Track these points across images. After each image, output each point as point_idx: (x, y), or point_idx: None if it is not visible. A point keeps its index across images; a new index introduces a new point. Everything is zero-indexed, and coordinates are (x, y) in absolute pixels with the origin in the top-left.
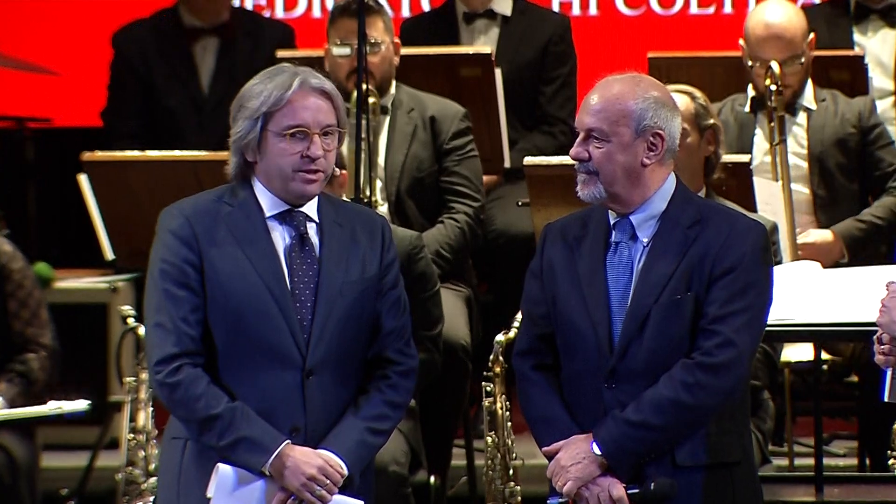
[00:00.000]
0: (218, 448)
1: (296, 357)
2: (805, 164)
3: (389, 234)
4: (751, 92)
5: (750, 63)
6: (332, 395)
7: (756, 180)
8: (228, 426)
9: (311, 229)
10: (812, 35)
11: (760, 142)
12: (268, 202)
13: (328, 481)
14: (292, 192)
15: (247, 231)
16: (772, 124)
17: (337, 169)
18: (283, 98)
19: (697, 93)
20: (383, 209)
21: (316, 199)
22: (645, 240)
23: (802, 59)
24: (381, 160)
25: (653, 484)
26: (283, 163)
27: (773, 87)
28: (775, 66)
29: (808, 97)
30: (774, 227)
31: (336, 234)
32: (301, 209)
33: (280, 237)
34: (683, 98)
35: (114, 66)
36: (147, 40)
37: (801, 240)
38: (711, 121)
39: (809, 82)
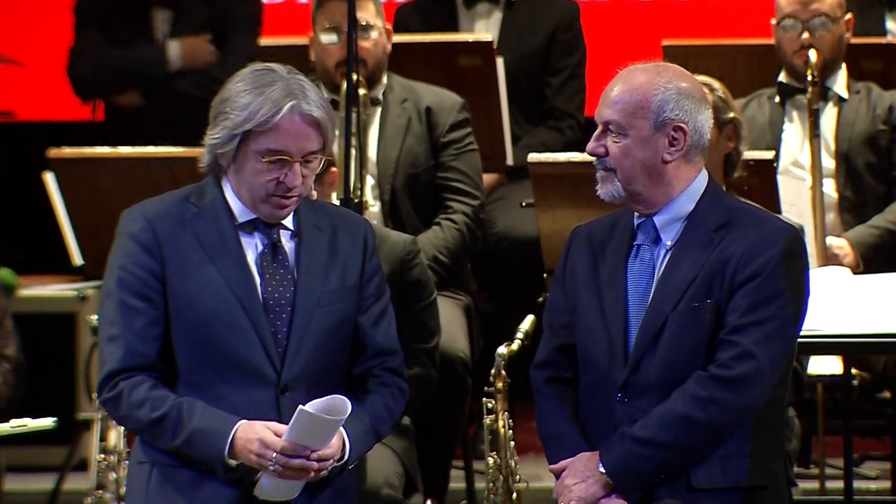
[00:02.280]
0: (175, 449)
1: (269, 373)
2: (832, 162)
3: (373, 241)
4: (781, 78)
5: (778, 22)
6: None
7: (781, 179)
8: (178, 424)
9: (285, 236)
10: (850, 14)
11: (790, 137)
12: (238, 208)
13: (272, 453)
14: (261, 212)
15: (215, 237)
16: (812, 118)
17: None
18: (270, 122)
19: (716, 84)
20: (375, 209)
21: None
22: (669, 243)
23: (834, 21)
24: (372, 155)
25: None
26: (256, 183)
27: (810, 77)
28: (813, 54)
29: (841, 83)
30: (801, 231)
31: (314, 239)
32: None
33: (251, 246)
34: None
35: (77, 26)
36: (109, 9)
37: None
38: (731, 114)
39: (844, 69)
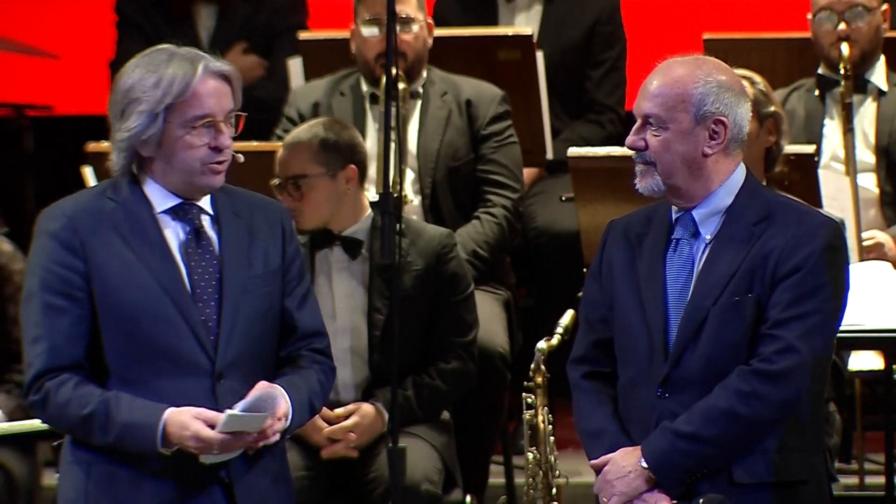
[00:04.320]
0: (108, 445)
1: (203, 361)
2: (872, 157)
3: (290, 225)
4: (819, 70)
5: (814, 15)
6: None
7: (822, 173)
8: (106, 420)
9: (206, 222)
10: (886, 5)
11: (831, 132)
12: (158, 197)
13: (208, 445)
14: (197, 185)
15: (135, 229)
16: (845, 111)
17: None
18: (189, 89)
19: (757, 78)
20: (415, 203)
21: None
22: (708, 237)
23: (870, 11)
24: (412, 148)
25: (701, 500)
26: (190, 157)
27: (843, 70)
28: (845, 48)
29: (880, 75)
30: (841, 225)
31: (234, 225)
32: (195, 202)
33: (174, 234)
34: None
35: (119, 26)
36: (149, 6)
37: (865, 242)
38: (772, 108)
39: (882, 61)
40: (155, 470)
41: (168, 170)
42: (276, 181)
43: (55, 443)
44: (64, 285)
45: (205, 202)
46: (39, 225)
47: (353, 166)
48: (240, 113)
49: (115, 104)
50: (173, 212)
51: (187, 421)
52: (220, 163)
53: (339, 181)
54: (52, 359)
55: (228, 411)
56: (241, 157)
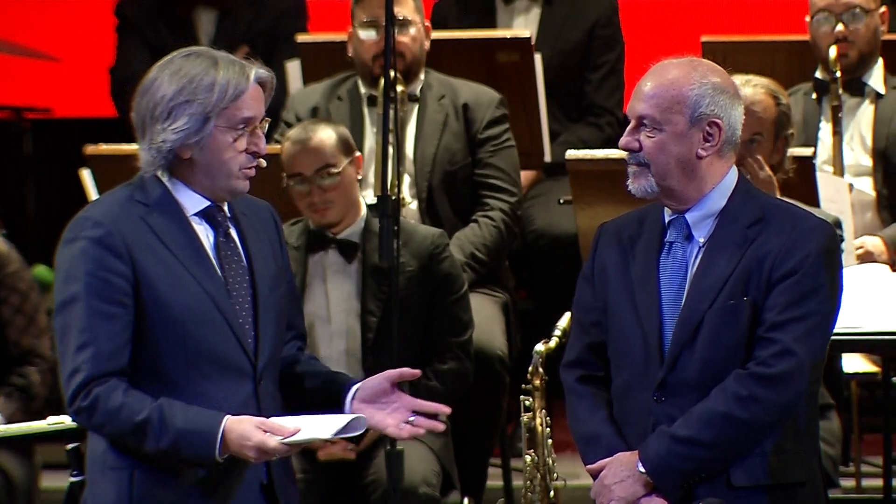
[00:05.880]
0: (160, 452)
1: (245, 365)
2: (869, 160)
3: (280, 222)
4: (817, 74)
5: (812, 16)
6: (275, 401)
7: (820, 175)
8: (161, 427)
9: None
10: (884, 7)
11: (826, 136)
12: (189, 200)
13: (272, 456)
14: (227, 189)
15: (173, 233)
16: (840, 114)
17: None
18: (244, 93)
19: (783, 98)
20: (412, 207)
21: None
22: (701, 240)
23: (868, 13)
24: (409, 152)
25: None
26: (231, 161)
27: (830, 75)
28: (833, 50)
29: (877, 78)
30: (838, 222)
31: (246, 224)
32: (220, 205)
33: (204, 236)
34: (768, 101)
35: (119, 30)
36: (150, 9)
37: (856, 251)
38: (791, 130)
39: (880, 64)
40: (200, 473)
41: (203, 173)
42: (295, 178)
43: (69, 445)
44: (113, 291)
45: (224, 204)
46: (76, 232)
47: (358, 154)
48: (266, 118)
49: (157, 105)
50: (201, 214)
51: (249, 431)
52: (253, 167)
53: (355, 170)
54: (100, 365)
55: (315, 435)
56: (264, 162)
